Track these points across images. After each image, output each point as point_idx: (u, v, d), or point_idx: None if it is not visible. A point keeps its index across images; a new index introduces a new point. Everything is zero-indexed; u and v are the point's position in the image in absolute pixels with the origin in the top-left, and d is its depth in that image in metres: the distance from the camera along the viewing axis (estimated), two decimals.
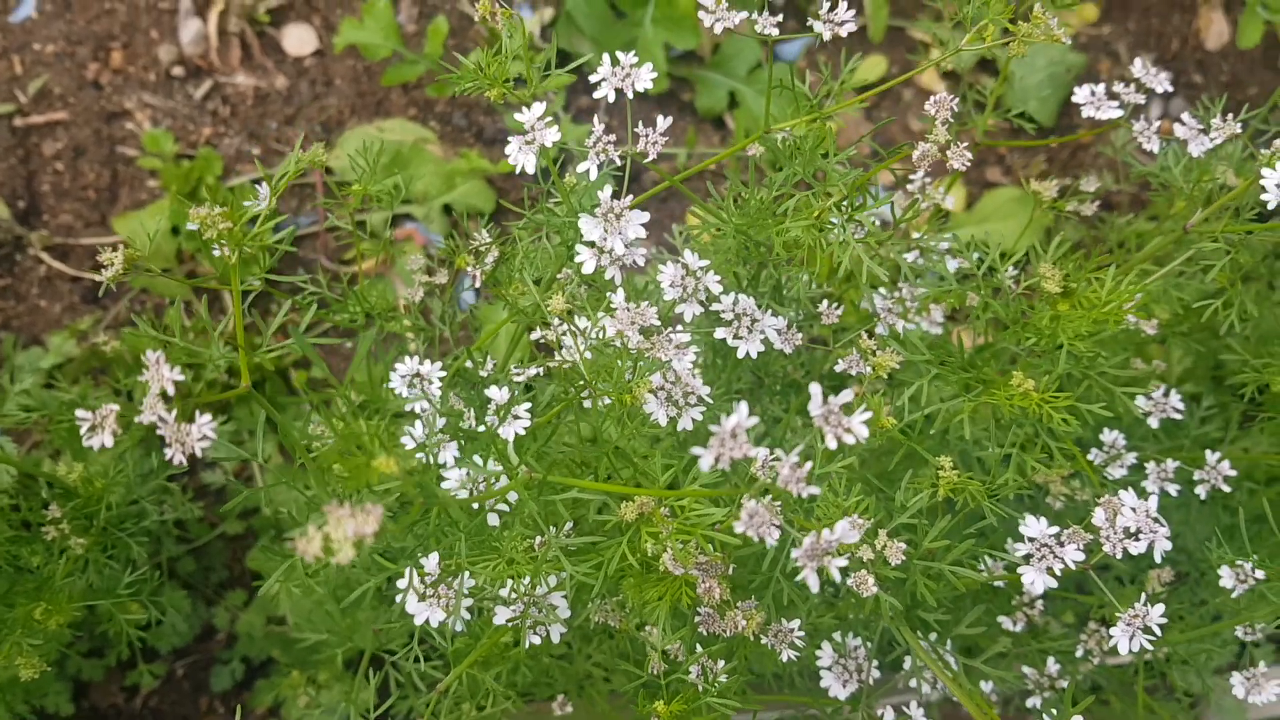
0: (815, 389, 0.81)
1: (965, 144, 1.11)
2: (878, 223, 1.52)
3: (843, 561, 0.86)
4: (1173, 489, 1.51)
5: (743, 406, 0.79)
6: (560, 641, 1.68)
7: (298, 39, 2.79)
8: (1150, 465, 1.52)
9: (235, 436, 2.27)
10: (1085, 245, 2.50)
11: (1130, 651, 1.16)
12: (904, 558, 1.07)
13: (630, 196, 1.13)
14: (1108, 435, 1.53)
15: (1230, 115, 1.37)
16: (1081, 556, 1.12)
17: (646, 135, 1.17)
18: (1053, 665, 1.49)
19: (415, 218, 2.72)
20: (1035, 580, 1.12)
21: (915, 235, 1.60)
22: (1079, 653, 1.48)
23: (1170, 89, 1.49)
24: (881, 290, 1.48)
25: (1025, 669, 1.52)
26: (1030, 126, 1.71)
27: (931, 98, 1.15)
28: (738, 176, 1.48)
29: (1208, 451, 1.54)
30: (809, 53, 2.93)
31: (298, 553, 0.68)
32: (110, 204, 2.65)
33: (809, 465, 0.82)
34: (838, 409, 0.81)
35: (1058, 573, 1.12)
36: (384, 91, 2.78)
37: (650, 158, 1.16)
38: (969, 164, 1.12)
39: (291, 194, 2.71)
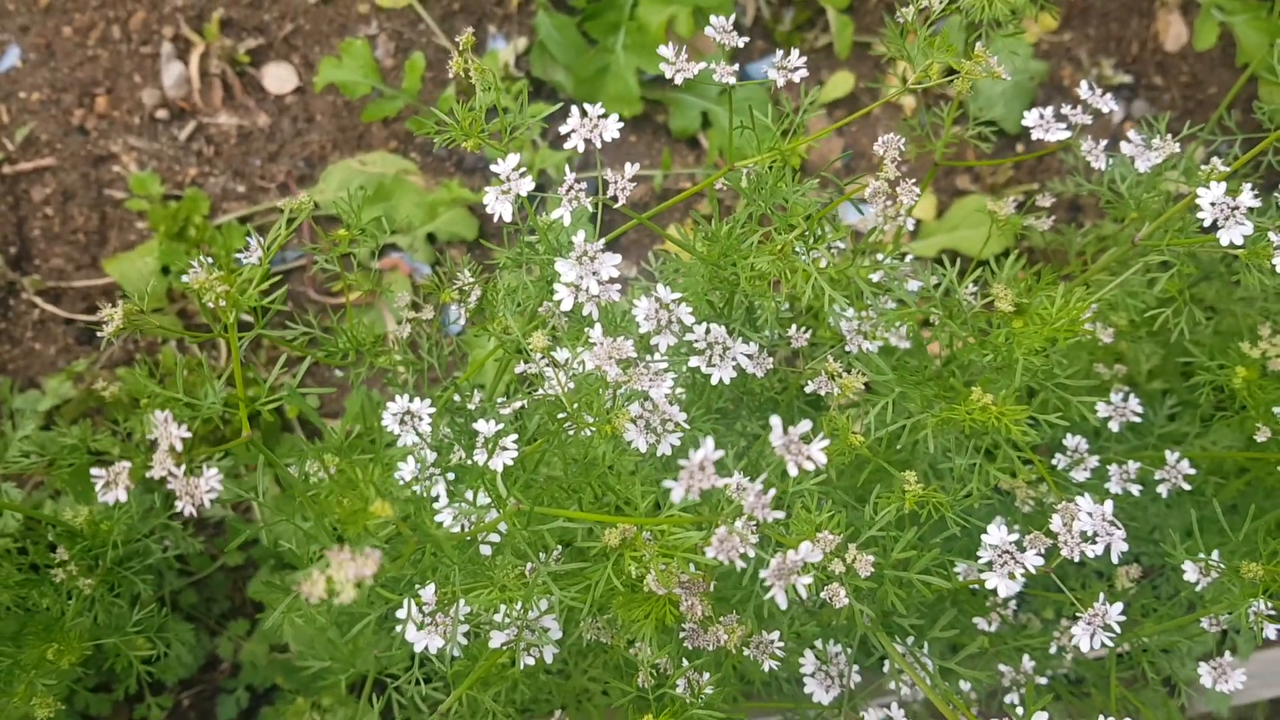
0: (775, 421, 0.88)
1: (914, 180, 1.18)
2: (842, 245, 1.59)
3: (808, 579, 0.93)
4: (1135, 489, 1.58)
5: (709, 441, 0.86)
6: (556, 660, 1.74)
7: (278, 78, 2.85)
8: (1113, 467, 1.59)
9: (232, 471, 2.33)
10: (1050, 253, 2.58)
11: (1091, 648, 1.23)
12: (873, 569, 1.14)
13: (602, 240, 1.20)
14: (1070, 440, 1.60)
15: (1170, 135, 1.44)
16: (1041, 561, 1.20)
17: (616, 181, 1.24)
18: (1028, 662, 1.56)
19: (399, 247, 2.79)
20: (999, 585, 1.19)
21: (879, 256, 1.67)
22: (1053, 649, 1.55)
23: (1115, 107, 1.56)
24: (849, 311, 1.55)
25: (1002, 666, 1.59)
26: (986, 145, 1.78)
27: (880, 139, 1.22)
28: (714, 200, 1.55)
29: (1167, 452, 1.61)
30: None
31: (302, 595, 0.74)
32: (100, 246, 2.71)
33: (772, 492, 0.89)
34: (797, 438, 0.88)
35: (1019, 577, 1.19)
36: (365, 125, 2.85)
37: (620, 202, 1.23)
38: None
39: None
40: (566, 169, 1.24)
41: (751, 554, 0.98)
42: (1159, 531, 1.93)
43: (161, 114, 2.80)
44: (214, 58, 2.82)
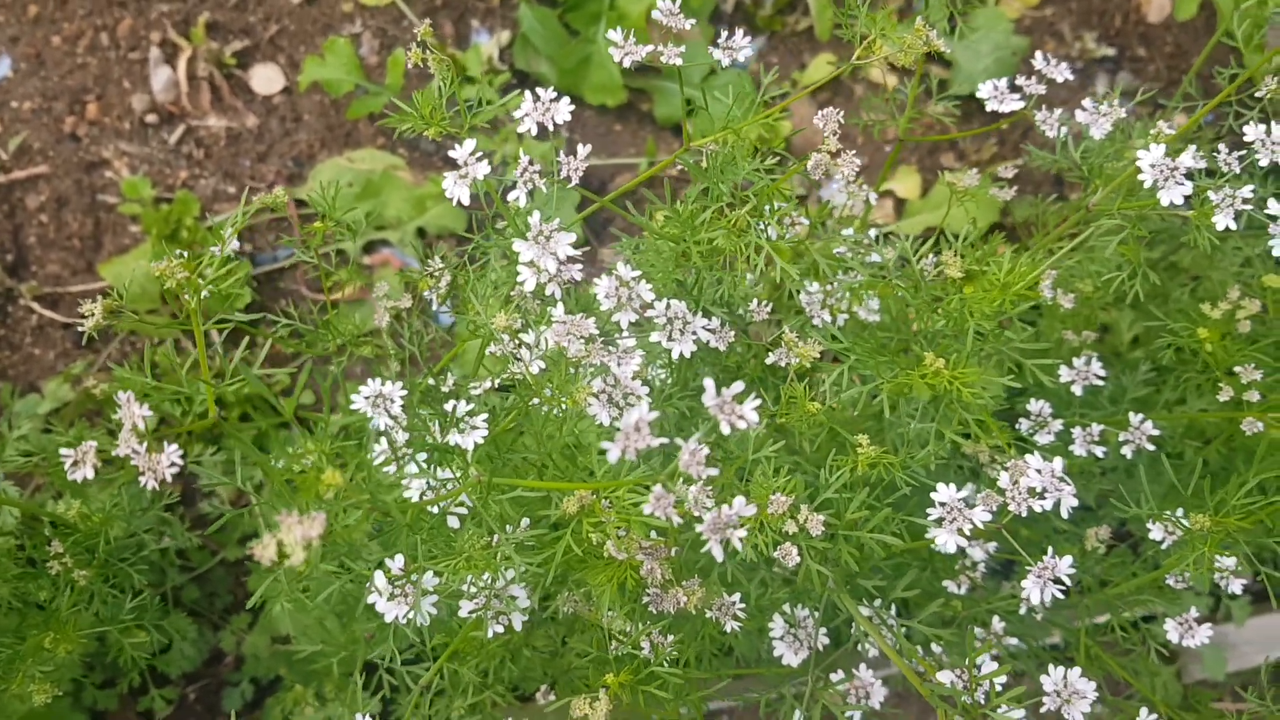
0: (708, 383, 0.93)
1: (854, 151, 1.23)
2: (807, 222, 1.63)
3: (743, 533, 0.98)
4: (1099, 451, 1.63)
5: (643, 404, 0.91)
6: (543, 637, 1.80)
7: (265, 79, 2.91)
8: (1076, 430, 1.63)
9: (228, 466, 2.39)
10: (1034, 227, 2.62)
11: (1042, 601, 1.28)
12: (827, 529, 1.19)
13: (558, 220, 1.25)
14: (1034, 405, 1.65)
15: (1116, 102, 1.48)
16: (989, 517, 1.24)
17: (568, 163, 1.29)
18: (998, 623, 1.61)
19: (390, 242, 2.84)
20: (947, 541, 1.24)
21: (847, 232, 1.72)
22: (1022, 610, 1.60)
23: (1070, 77, 1.61)
24: (814, 285, 1.60)
25: (977, 629, 1.64)
26: (951, 120, 1.82)
27: (819, 113, 1.27)
28: (698, 179, 1.60)
29: (1131, 414, 1.66)
30: (761, 55, 3.05)
31: (256, 559, 0.80)
32: (95, 251, 2.78)
33: (704, 451, 0.94)
34: (731, 399, 0.93)
35: (968, 534, 1.24)
36: (352, 123, 2.91)
37: (573, 183, 1.28)
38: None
39: (269, 229, 2.84)
40: (521, 153, 1.29)
41: (705, 513, 1.03)
42: (1134, 497, 1.97)
43: (151, 118, 2.86)
44: (201, 61, 2.89)
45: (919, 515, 1.38)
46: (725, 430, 0.93)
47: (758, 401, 0.93)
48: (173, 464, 0.97)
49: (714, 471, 0.94)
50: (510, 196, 1.30)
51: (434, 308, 1.59)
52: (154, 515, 1.97)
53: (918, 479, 1.37)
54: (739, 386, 0.94)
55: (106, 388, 1.89)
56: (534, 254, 1.27)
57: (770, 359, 1.46)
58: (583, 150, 1.31)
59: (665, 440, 0.95)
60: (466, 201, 1.28)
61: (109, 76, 2.87)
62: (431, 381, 1.58)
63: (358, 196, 2.78)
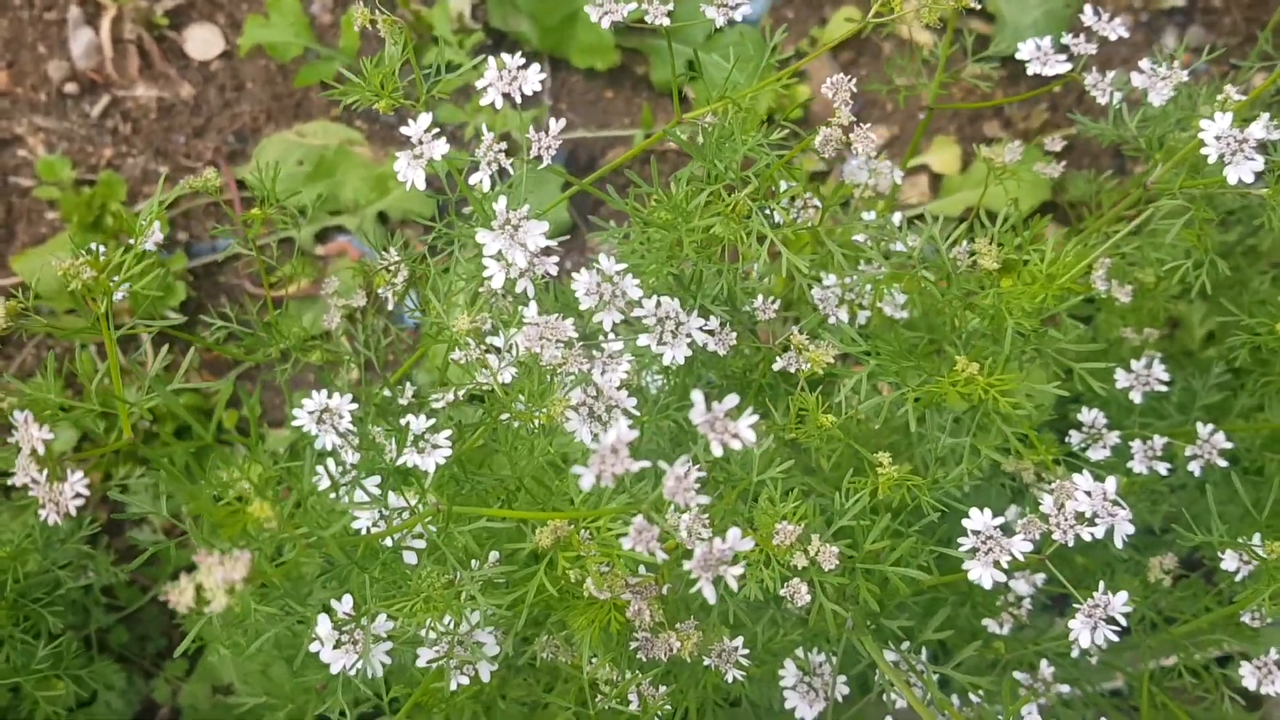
0: (697, 396, 0.92)
1: (879, 122, 1.22)
2: (819, 205, 1.63)
3: (739, 569, 0.97)
4: (1162, 468, 1.62)
5: (622, 422, 0.91)
6: (519, 687, 1.79)
7: (201, 41, 2.91)
8: (1136, 443, 1.62)
9: (160, 489, 2.39)
10: (1092, 206, 2.62)
11: (1093, 643, 1.27)
12: (843, 562, 1.18)
13: (527, 207, 1.24)
14: (1086, 415, 1.64)
15: (1176, 64, 1.47)
16: (1029, 547, 1.23)
17: (539, 140, 1.29)
18: (1046, 668, 1.60)
19: (348, 229, 2.84)
20: (983, 575, 1.23)
21: (868, 215, 1.71)
22: (1074, 653, 1.59)
23: (1124, 34, 1.60)
24: (830, 278, 1.59)
25: (1022, 675, 1.63)
26: (988, 85, 1.81)
27: (828, 79, 1.26)
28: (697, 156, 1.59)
29: (1199, 425, 1.65)
30: (775, 9, 3.04)
31: (171, 604, 0.80)
32: (7, 242, 2.78)
33: (695, 474, 0.93)
34: (722, 415, 0.93)
35: (1006, 566, 1.23)
36: (302, 92, 2.90)
37: (545, 163, 1.28)
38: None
39: (207, 215, 2.83)
40: (483, 128, 1.28)
41: (699, 547, 1.03)
42: (1204, 520, 1.96)
43: (71, 88, 2.86)
44: (128, 21, 2.88)
45: (953, 544, 1.38)
46: (717, 451, 0.92)
47: (754, 418, 0.93)
48: (77, 494, 0.96)
49: (705, 500, 0.94)
50: (473, 179, 1.29)
51: (389, 306, 1.59)
52: (73, 548, 1.96)
53: (949, 502, 1.36)
54: (732, 400, 0.93)
55: (16, 402, 1.89)
56: (500, 245, 1.26)
57: (778, 364, 1.45)
58: (555, 125, 1.30)
59: (648, 463, 0.94)
60: (422, 186, 1.28)
61: (22, 40, 2.87)
62: (388, 393, 1.57)
63: (309, 177, 2.77)
